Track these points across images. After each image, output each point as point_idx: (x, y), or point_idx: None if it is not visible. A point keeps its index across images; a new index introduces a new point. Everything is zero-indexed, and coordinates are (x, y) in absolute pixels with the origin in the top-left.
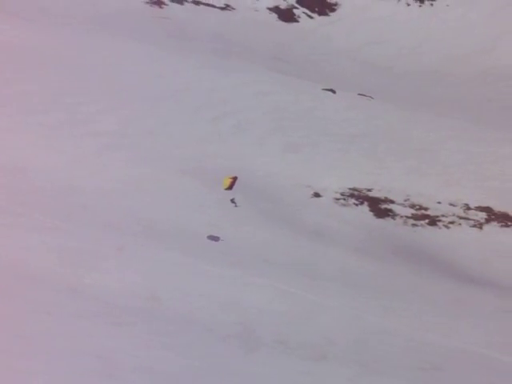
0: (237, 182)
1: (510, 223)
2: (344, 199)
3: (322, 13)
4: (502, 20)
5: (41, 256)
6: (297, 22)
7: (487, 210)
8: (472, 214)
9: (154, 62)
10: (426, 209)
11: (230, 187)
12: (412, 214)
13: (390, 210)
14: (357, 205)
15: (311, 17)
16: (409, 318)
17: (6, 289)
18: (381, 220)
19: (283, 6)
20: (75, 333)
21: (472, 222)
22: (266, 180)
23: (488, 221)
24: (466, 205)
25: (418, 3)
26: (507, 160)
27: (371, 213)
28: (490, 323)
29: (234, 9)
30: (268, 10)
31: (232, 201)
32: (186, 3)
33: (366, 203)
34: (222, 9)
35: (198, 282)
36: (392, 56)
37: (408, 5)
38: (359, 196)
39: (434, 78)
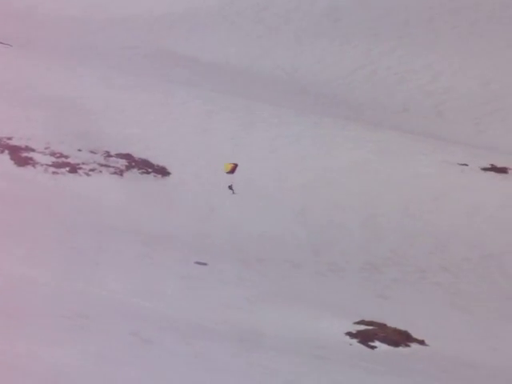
0: None
1: (150, 170)
2: None
3: None
4: None
5: None
6: None
7: (127, 157)
8: (112, 161)
9: None
10: (66, 157)
11: (232, 171)
12: (53, 162)
13: (31, 159)
14: None
15: None
16: (53, 267)
17: None
18: (21, 168)
19: None
20: None
21: (112, 170)
22: None
23: (128, 168)
24: (107, 152)
25: None
26: (147, 107)
27: (12, 161)
28: (133, 270)
29: None
30: None
31: (230, 187)
32: None
33: (6, 152)
34: None
35: None
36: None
37: None
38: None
39: (74, 26)
